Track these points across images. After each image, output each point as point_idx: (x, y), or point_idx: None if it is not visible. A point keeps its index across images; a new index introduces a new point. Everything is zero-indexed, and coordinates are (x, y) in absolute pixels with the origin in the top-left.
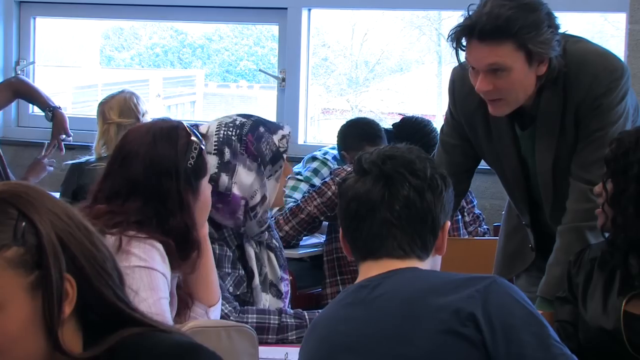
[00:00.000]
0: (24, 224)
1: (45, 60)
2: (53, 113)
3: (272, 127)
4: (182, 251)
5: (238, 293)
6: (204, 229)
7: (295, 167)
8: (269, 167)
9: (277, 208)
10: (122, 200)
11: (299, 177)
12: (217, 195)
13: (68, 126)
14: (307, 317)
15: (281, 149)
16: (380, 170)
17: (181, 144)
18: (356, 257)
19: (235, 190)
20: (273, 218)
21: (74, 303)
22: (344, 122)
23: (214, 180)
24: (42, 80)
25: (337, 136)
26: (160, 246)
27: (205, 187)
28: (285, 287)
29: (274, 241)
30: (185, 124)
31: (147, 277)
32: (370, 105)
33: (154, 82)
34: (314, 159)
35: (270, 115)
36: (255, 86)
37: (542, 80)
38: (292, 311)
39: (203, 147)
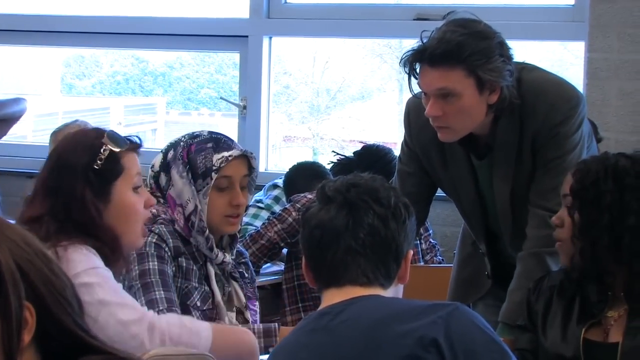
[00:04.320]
0: None
1: (6, 88)
2: None
3: (222, 147)
4: (110, 252)
5: (204, 308)
6: (132, 237)
7: (257, 194)
8: (199, 181)
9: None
10: (35, 201)
11: (259, 204)
12: (163, 197)
13: None
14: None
15: (214, 167)
16: (345, 198)
17: (86, 143)
18: (319, 284)
19: (172, 192)
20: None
21: (33, 331)
22: (305, 149)
23: (156, 178)
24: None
25: (283, 183)
26: (90, 248)
27: (122, 192)
28: (252, 317)
29: (238, 272)
30: (110, 130)
31: (96, 274)
32: (332, 133)
33: (115, 110)
34: (275, 186)
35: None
36: (216, 114)
37: (494, 109)
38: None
39: (117, 151)
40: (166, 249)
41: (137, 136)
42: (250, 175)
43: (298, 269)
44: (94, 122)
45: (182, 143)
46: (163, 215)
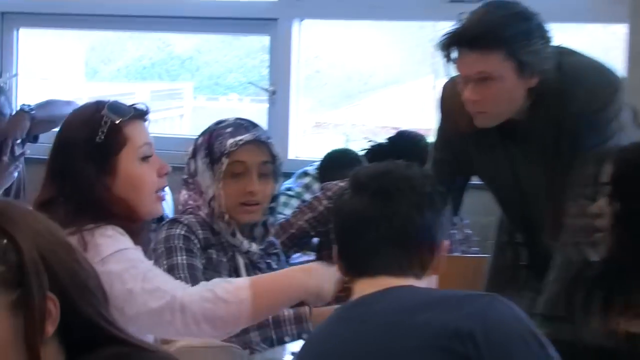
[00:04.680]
0: (4, 241)
1: (29, 73)
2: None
3: (239, 132)
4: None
5: None
6: (146, 208)
7: (287, 182)
8: (215, 166)
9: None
10: (46, 186)
11: (289, 192)
12: (194, 184)
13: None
14: (307, 312)
15: (226, 151)
16: (378, 185)
17: (85, 117)
18: (351, 274)
19: (198, 178)
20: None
21: (57, 322)
22: (337, 136)
23: (188, 164)
24: (25, 93)
25: (316, 171)
26: (117, 227)
27: (128, 164)
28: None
29: (265, 262)
30: (113, 101)
31: (124, 258)
32: (364, 119)
33: (141, 96)
34: (306, 174)
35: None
36: (245, 99)
37: (533, 94)
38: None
39: (118, 122)
40: (195, 240)
41: (143, 103)
42: (274, 163)
43: (329, 259)
44: None
45: (209, 129)
46: (191, 202)
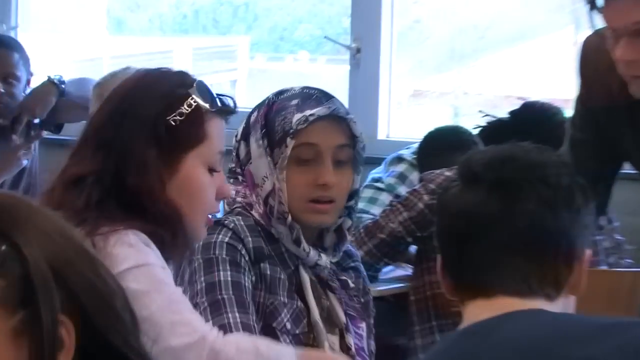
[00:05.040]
0: (4, 247)
1: (40, 26)
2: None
3: (307, 105)
4: (166, 234)
5: (297, 332)
6: (193, 224)
7: (375, 171)
8: (276, 150)
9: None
10: (84, 151)
11: (378, 184)
12: (243, 175)
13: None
14: None
15: (291, 131)
16: (498, 176)
17: (165, 88)
18: (460, 294)
19: (251, 167)
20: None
21: (72, 354)
22: (443, 108)
23: (236, 149)
24: (30, 50)
25: (414, 156)
26: (141, 234)
27: (194, 166)
28: (354, 339)
29: (338, 280)
30: (200, 80)
31: (146, 276)
32: (479, 86)
33: (180, 55)
34: (400, 159)
35: (339, 99)
36: (319, 59)
37: None
38: None
39: (205, 110)
40: (243, 251)
41: (231, 97)
42: (354, 147)
43: (431, 274)
44: None
45: (267, 101)
46: (240, 199)
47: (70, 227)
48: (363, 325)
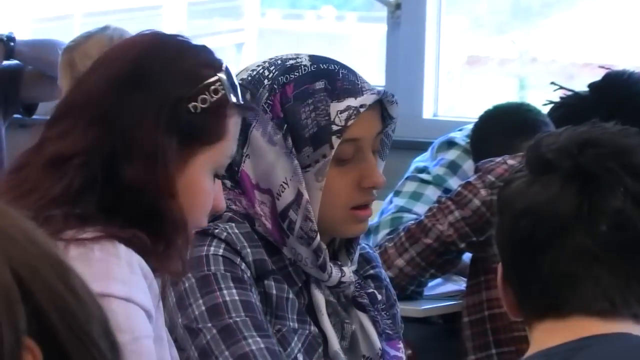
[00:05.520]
0: None
1: None
2: None
3: (342, 90)
4: (159, 241)
5: None
6: (196, 221)
7: (418, 159)
8: (307, 150)
9: (385, 232)
10: (69, 122)
11: (423, 176)
12: (231, 178)
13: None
14: None
15: (334, 127)
16: (575, 164)
17: (192, 69)
18: (526, 314)
19: (247, 167)
20: (376, 248)
21: None
22: (504, 79)
23: None
24: None
25: (468, 140)
26: (123, 249)
27: (203, 168)
28: None
29: (366, 294)
30: (227, 66)
31: (110, 310)
32: (551, 52)
33: (172, 11)
34: (451, 145)
35: (374, 67)
36: (348, 16)
37: None
38: None
39: (231, 104)
40: (243, 265)
41: (248, 88)
42: (384, 131)
43: (490, 289)
44: (136, 30)
45: (268, 79)
46: (234, 207)
47: (40, 232)
48: (401, 345)
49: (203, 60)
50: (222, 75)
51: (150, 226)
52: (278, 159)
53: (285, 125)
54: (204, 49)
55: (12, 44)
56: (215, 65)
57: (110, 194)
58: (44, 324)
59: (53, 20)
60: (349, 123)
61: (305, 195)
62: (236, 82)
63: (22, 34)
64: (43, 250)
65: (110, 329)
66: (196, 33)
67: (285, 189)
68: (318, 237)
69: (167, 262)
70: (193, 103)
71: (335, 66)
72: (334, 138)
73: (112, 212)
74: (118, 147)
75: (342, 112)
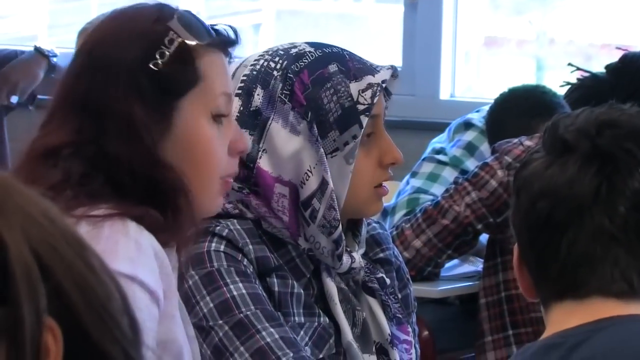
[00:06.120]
0: None
1: None
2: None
3: (355, 69)
4: (166, 214)
5: (322, 356)
6: (204, 196)
7: (435, 140)
8: (333, 134)
9: (402, 213)
10: (54, 120)
11: (440, 157)
12: (242, 167)
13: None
14: None
15: (360, 107)
16: (593, 145)
17: (140, 28)
18: (543, 294)
19: (264, 163)
20: (392, 229)
21: None
22: (522, 60)
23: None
24: None
25: (485, 122)
26: (133, 227)
27: (193, 117)
28: (404, 354)
29: (375, 280)
30: (184, 11)
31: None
32: (568, 32)
33: None
34: (468, 126)
35: (392, 48)
36: None
37: None
38: None
39: (190, 44)
40: (245, 261)
41: (230, 26)
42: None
43: (507, 270)
44: None
45: (278, 70)
46: (233, 211)
47: (56, 209)
48: (410, 329)
49: (152, 17)
50: (174, 24)
51: (153, 198)
52: (302, 148)
53: (310, 113)
54: (155, 6)
55: (54, 59)
56: (164, 15)
57: (110, 174)
58: (64, 302)
59: (70, 1)
60: (375, 100)
61: (331, 184)
62: (197, 22)
63: (39, 15)
64: (61, 227)
65: (130, 306)
66: (213, 14)
67: (309, 177)
68: (340, 227)
69: (178, 232)
70: (153, 61)
71: (337, 49)
72: (362, 117)
73: (120, 191)
74: (99, 129)
75: (364, 90)
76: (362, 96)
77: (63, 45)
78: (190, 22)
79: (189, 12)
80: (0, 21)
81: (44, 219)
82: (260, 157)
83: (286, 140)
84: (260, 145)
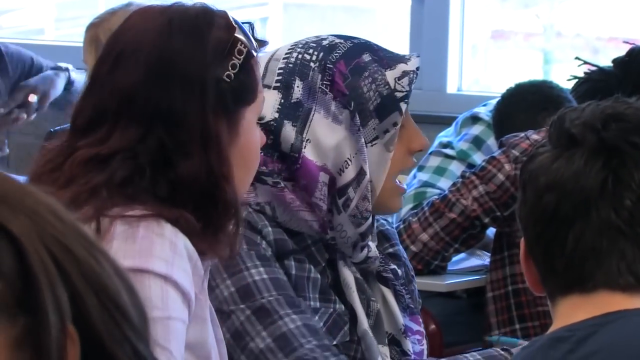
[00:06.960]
0: None
1: None
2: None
3: (387, 58)
4: (209, 225)
5: (335, 342)
6: (245, 187)
7: (442, 134)
8: (373, 122)
9: (409, 207)
10: (105, 129)
11: (447, 151)
12: (279, 161)
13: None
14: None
15: (398, 94)
16: (599, 139)
17: (214, 39)
18: (550, 288)
19: (309, 152)
20: (400, 222)
21: None
22: (530, 53)
23: (273, 132)
24: None
25: (492, 116)
26: (169, 229)
27: (252, 124)
28: (416, 346)
29: (389, 270)
30: (229, 14)
31: (146, 286)
32: (575, 26)
33: None
34: (475, 119)
35: (399, 41)
36: None
37: None
38: None
39: (254, 54)
40: (264, 244)
41: (250, 24)
42: None
43: (514, 264)
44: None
45: (315, 62)
46: (257, 204)
47: (62, 207)
48: (421, 320)
49: (219, 25)
50: (238, 34)
51: (202, 210)
52: (344, 138)
53: (352, 102)
54: (210, 13)
55: (73, 74)
56: (229, 25)
57: (162, 183)
58: (80, 306)
59: None
60: (412, 87)
61: (368, 175)
62: (244, 29)
63: (46, 9)
64: (71, 226)
65: (139, 299)
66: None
67: (348, 165)
68: (370, 219)
69: (216, 246)
70: (227, 72)
71: (363, 40)
72: (401, 104)
73: (161, 195)
74: (167, 140)
75: (399, 78)
76: (399, 83)
77: (70, 38)
78: (244, 30)
79: (235, 19)
80: (8, 14)
81: (55, 219)
82: (305, 147)
83: (329, 130)
84: (304, 136)
